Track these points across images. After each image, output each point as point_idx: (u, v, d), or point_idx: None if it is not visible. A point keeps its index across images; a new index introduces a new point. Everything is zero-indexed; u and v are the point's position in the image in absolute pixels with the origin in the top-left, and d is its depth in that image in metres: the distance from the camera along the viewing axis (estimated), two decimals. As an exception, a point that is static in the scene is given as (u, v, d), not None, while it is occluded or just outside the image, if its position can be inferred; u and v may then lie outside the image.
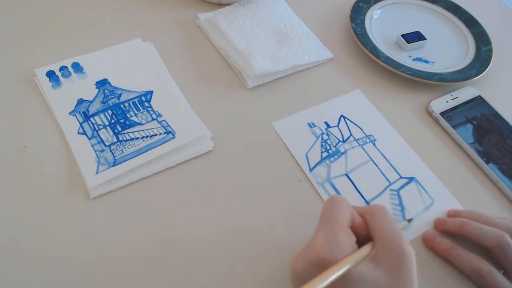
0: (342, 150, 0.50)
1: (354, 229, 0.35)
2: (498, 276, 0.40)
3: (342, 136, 0.51)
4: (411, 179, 0.48)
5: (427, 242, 0.44)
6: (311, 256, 0.33)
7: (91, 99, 0.49)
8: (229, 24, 0.58)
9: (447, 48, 0.63)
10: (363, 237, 0.36)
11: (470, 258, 0.41)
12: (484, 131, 0.54)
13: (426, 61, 0.60)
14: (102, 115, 0.48)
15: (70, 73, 0.51)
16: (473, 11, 0.66)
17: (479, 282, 0.41)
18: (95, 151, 0.45)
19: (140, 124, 0.48)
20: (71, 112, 0.48)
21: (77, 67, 0.52)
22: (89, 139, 0.46)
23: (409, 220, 0.45)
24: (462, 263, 0.42)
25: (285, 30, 0.60)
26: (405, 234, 0.44)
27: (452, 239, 0.43)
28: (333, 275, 0.30)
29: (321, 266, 0.32)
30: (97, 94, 0.50)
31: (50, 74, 0.50)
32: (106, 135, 0.47)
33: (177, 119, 0.49)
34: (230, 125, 0.50)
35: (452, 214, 0.46)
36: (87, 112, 0.48)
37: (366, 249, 0.34)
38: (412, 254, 0.33)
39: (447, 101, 0.56)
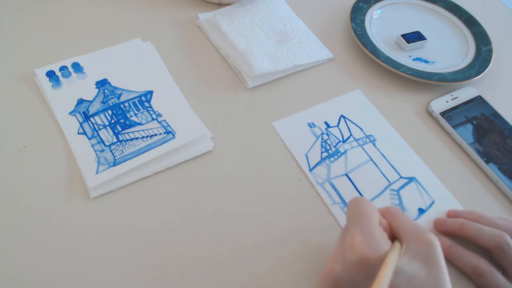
0: (342, 150, 0.50)
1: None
2: (497, 275, 0.40)
3: (342, 136, 0.51)
4: (411, 179, 0.48)
5: None
6: (352, 256, 0.33)
7: (91, 99, 0.49)
8: (229, 24, 0.58)
9: (447, 48, 0.63)
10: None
11: (469, 257, 0.41)
12: (484, 131, 0.54)
13: (426, 61, 0.60)
14: (102, 115, 0.48)
15: (70, 73, 0.51)
16: (473, 11, 0.66)
17: (478, 281, 0.41)
18: (95, 151, 0.45)
19: (140, 124, 0.48)
20: (71, 112, 0.48)
21: (77, 67, 0.52)
22: (89, 139, 0.46)
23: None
24: (461, 262, 0.42)
25: (285, 30, 0.60)
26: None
27: (452, 238, 0.43)
28: (389, 272, 0.31)
29: (362, 264, 0.33)
30: (97, 94, 0.50)
31: (50, 74, 0.50)
32: (106, 135, 0.47)
33: (177, 119, 0.49)
34: (230, 125, 0.50)
35: (451, 215, 0.46)
36: (87, 112, 0.48)
37: (397, 246, 0.35)
38: (437, 243, 0.34)
39: (447, 101, 0.56)
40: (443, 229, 0.44)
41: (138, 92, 0.51)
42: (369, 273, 0.33)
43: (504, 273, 0.41)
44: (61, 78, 0.50)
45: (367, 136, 0.52)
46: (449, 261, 0.42)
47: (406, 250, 0.34)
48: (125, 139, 0.46)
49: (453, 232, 0.43)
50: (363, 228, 0.34)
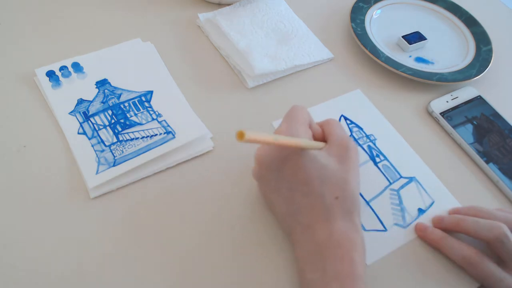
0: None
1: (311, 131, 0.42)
2: (489, 264, 0.40)
3: (342, 136, 0.51)
4: (411, 179, 0.48)
5: (419, 232, 0.44)
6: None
7: (91, 99, 0.49)
8: (229, 24, 0.58)
9: (447, 48, 0.63)
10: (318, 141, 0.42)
11: (460, 248, 0.42)
12: (484, 131, 0.54)
13: (426, 61, 0.60)
14: (102, 115, 0.48)
15: (70, 73, 0.51)
16: (473, 11, 0.66)
17: (471, 271, 0.41)
18: (95, 151, 0.45)
19: (140, 124, 0.48)
20: (71, 112, 0.48)
21: (77, 67, 0.52)
22: (89, 139, 0.46)
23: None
24: (453, 253, 0.42)
25: (285, 30, 0.60)
26: (405, 233, 0.44)
27: (452, 234, 0.44)
28: (293, 140, 0.37)
29: (282, 148, 0.39)
30: (97, 94, 0.50)
31: (50, 74, 0.50)
32: (106, 135, 0.47)
33: (177, 119, 0.49)
34: (230, 125, 0.50)
35: (452, 212, 0.46)
36: (87, 112, 0.48)
37: (321, 143, 0.41)
38: (355, 148, 0.41)
39: (447, 101, 0.56)
40: (440, 226, 0.44)
41: (138, 92, 0.51)
42: (284, 154, 0.38)
43: (503, 264, 0.41)
44: (61, 78, 0.50)
45: (367, 136, 0.52)
46: (442, 252, 0.43)
47: (327, 149, 0.40)
48: (125, 139, 0.46)
49: (451, 229, 0.43)
50: (289, 123, 0.40)
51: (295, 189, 0.39)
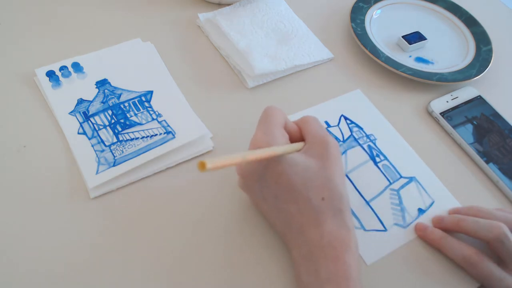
0: (342, 150, 0.50)
1: (287, 132, 0.41)
2: (489, 264, 0.40)
3: (343, 135, 0.51)
4: (411, 179, 0.48)
5: (419, 232, 0.44)
6: (251, 148, 0.38)
7: (91, 99, 0.49)
8: (229, 24, 0.58)
9: (447, 48, 0.63)
10: (295, 141, 0.41)
11: (460, 248, 0.42)
12: (484, 131, 0.54)
13: (426, 61, 0.60)
14: (102, 115, 0.48)
15: (70, 73, 0.51)
16: (473, 11, 0.66)
17: (471, 271, 0.41)
18: (95, 151, 0.45)
19: (140, 124, 0.48)
20: (71, 112, 0.48)
21: (77, 67, 0.52)
22: (89, 139, 0.46)
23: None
24: (453, 252, 0.42)
25: (285, 30, 0.60)
26: (405, 233, 0.44)
27: (452, 234, 0.44)
28: (265, 152, 0.36)
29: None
30: (97, 94, 0.50)
31: (50, 74, 0.50)
32: (106, 135, 0.47)
33: (177, 119, 0.49)
34: (230, 125, 0.50)
35: (452, 212, 0.46)
36: (87, 112, 0.48)
37: (299, 144, 0.40)
38: (335, 144, 0.40)
39: (447, 101, 0.56)
40: (440, 226, 0.44)
41: (138, 92, 0.51)
42: (264, 163, 0.38)
43: (503, 264, 0.41)
44: (61, 78, 0.50)
45: (368, 136, 0.52)
46: (442, 252, 0.43)
47: (306, 149, 0.39)
48: (125, 139, 0.46)
49: (451, 229, 0.43)
50: (265, 128, 0.39)
51: (281, 197, 0.38)
